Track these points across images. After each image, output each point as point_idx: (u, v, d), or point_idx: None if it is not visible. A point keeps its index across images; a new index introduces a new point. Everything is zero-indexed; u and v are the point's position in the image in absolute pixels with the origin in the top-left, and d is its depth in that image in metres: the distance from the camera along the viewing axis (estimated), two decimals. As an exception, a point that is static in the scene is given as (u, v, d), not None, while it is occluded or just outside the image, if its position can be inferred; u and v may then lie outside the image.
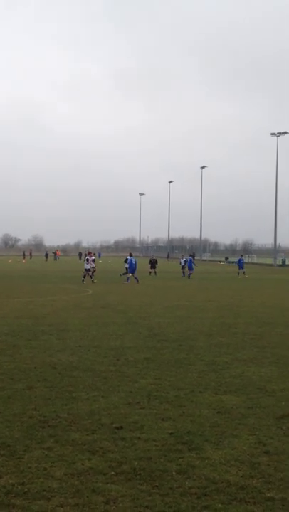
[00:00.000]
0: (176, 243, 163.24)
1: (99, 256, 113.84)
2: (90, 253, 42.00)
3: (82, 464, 6.17)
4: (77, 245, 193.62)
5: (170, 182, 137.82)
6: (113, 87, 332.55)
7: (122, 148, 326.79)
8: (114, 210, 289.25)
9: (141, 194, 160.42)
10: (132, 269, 39.64)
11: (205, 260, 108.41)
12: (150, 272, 49.58)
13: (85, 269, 39.20)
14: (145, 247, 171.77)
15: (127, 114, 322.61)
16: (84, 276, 38.66)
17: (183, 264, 51.24)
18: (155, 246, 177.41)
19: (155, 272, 49.73)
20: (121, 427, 7.36)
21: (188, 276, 46.09)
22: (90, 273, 39.13)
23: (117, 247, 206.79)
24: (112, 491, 5.54)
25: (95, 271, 40.53)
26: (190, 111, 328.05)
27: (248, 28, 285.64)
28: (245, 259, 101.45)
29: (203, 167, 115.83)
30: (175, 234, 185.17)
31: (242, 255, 58.63)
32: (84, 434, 7.10)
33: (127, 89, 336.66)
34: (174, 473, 5.97)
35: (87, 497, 5.43)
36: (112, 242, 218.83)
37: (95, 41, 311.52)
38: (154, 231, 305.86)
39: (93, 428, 7.34)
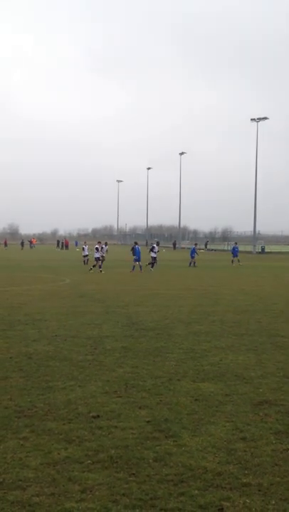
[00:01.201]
0: (154, 231, 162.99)
1: (76, 244, 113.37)
2: (99, 242, 41.50)
3: (59, 454, 6.13)
4: (54, 233, 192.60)
5: (148, 168, 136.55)
6: (90, 72, 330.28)
7: (100, 135, 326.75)
8: (92, 198, 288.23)
9: (119, 181, 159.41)
10: (138, 257, 39.64)
11: (184, 248, 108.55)
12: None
13: (95, 258, 38.91)
14: (123, 235, 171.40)
15: (104, 101, 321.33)
16: (94, 266, 38.43)
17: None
18: (133, 234, 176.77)
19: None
20: (98, 416, 7.33)
21: (190, 264, 45.83)
22: (100, 262, 38.75)
23: (95, 235, 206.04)
24: (89, 480, 5.51)
25: (104, 260, 40.38)
26: (170, 97, 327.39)
27: (231, 17, 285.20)
28: (225, 247, 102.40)
29: (182, 153, 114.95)
30: (154, 222, 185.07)
31: (236, 243, 58.02)
32: (60, 424, 7.05)
33: (105, 76, 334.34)
34: (150, 460, 5.95)
35: (63, 486, 5.39)
36: (89, 230, 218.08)
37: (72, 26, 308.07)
38: (132, 219, 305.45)
39: (70, 417, 7.29)
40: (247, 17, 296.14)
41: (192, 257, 46.28)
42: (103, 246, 40.31)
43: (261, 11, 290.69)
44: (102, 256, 39.64)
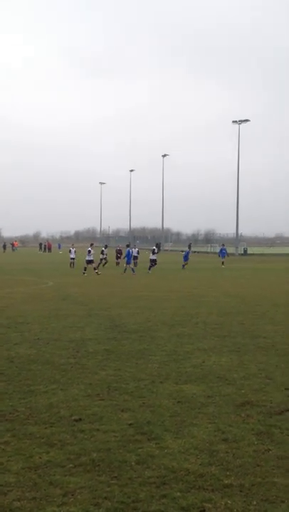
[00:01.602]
0: (137, 233, 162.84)
1: (59, 247, 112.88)
2: (91, 244, 41.13)
3: (40, 458, 6.09)
4: (36, 236, 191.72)
5: (131, 171, 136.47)
6: (73, 76, 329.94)
7: (82, 137, 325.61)
8: (75, 201, 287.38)
9: (101, 183, 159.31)
10: (128, 259, 39.62)
11: (167, 250, 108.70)
12: (117, 263, 49.74)
13: (86, 261, 38.47)
14: (106, 238, 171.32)
15: (88, 105, 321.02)
16: (85, 269, 38.05)
17: (136, 254, 51.71)
18: (116, 236, 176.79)
19: (118, 263, 49.88)
20: (80, 419, 7.30)
21: (183, 267, 45.92)
22: (96, 265, 38.47)
23: (78, 237, 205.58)
24: (71, 483, 5.48)
25: (107, 262, 40.62)
26: (153, 98, 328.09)
27: (210, 15, 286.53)
28: (208, 249, 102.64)
29: (164, 156, 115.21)
30: (137, 224, 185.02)
31: (223, 244, 57.88)
32: (42, 428, 7.02)
33: (89, 80, 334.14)
34: (133, 463, 5.94)
35: (45, 490, 5.37)
36: (72, 232, 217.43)
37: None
38: (115, 221, 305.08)
39: (52, 421, 7.26)
40: (236, 22, 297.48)
41: (186, 259, 46.23)
42: (103, 249, 40.01)
43: (250, 16, 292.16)
44: (105, 258, 39.48)
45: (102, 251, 44.34)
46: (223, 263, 50.02)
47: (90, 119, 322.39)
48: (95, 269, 38.05)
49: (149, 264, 41.30)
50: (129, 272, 38.19)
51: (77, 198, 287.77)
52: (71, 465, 5.90)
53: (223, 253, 51.32)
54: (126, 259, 40.01)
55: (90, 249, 39.40)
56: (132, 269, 39.01)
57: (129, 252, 40.28)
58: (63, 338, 13.18)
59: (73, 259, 46.45)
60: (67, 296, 23.07)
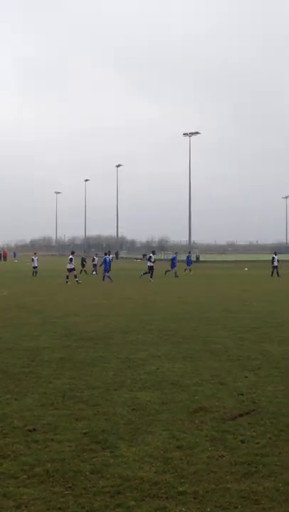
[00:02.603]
0: (93, 241, 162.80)
1: (14, 256, 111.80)
2: (72, 253, 40.65)
3: (-7, 469, 6.02)
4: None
5: (86, 180, 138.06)
6: (21, 78, 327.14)
7: (36, 145, 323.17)
8: (30, 210, 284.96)
9: (57, 193, 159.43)
10: (105, 268, 39.42)
11: (122, 258, 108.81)
12: (81, 271, 49.81)
13: (68, 269, 37.99)
14: (62, 246, 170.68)
15: (43, 114, 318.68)
16: (67, 277, 37.57)
17: (95, 262, 51.80)
18: (72, 244, 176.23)
19: (85, 271, 50.00)
20: (34, 429, 7.24)
21: (166, 272, 46.38)
22: (75, 273, 38.16)
23: (33, 246, 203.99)
24: (24, 495, 5.43)
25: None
26: (108, 109, 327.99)
27: (161, 29, 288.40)
28: (161, 256, 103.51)
29: (118, 166, 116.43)
30: (92, 232, 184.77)
31: (190, 252, 58.74)
32: (-5, 439, 6.93)
33: (42, 88, 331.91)
34: (87, 473, 5.92)
35: (-2, 503, 5.30)
36: (27, 241, 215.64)
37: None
38: (70, 229, 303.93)
39: (5, 432, 7.18)
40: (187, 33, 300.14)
41: (173, 267, 46.35)
42: (94, 257, 39.41)
43: (202, 28, 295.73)
44: (102, 267, 39.05)
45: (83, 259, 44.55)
46: (187, 270, 50.62)
47: (45, 131, 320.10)
48: (75, 276, 37.59)
49: (146, 272, 41.23)
50: (87, 279, 38.09)
51: (32, 207, 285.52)
52: (25, 476, 5.85)
53: (188, 260, 52.26)
54: (103, 266, 39.75)
55: (71, 257, 38.79)
56: (109, 277, 38.75)
57: (106, 259, 40.01)
58: (18, 347, 13.05)
59: (36, 267, 45.93)
60: (22, 305, 22.85)
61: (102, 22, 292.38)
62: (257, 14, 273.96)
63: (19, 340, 13.99)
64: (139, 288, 33.08)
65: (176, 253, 54.94)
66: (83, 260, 52.10)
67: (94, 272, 50.56)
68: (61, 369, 10.77)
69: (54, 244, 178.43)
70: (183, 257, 61.89)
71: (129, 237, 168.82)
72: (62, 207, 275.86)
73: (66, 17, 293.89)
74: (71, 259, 38.42)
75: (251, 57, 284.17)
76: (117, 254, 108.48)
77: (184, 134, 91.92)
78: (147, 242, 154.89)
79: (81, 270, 49.95)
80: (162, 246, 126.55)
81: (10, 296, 27.54)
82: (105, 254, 42.62)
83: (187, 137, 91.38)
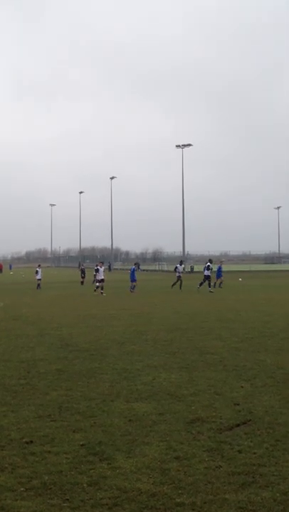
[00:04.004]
0: (87, 253, 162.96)
1: (10, 268, 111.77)
2: (101, 263, 39.86)
3: (-9, 482, 6.01)
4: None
5: (80, 192, 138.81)
6: (19, 97, 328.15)
7: (30, 158, 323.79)
8: (25, 222, 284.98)
9: (52, 205, 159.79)
10: (133, 277, 39.17)
11: (116, 269, 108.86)
12: (82, 282, 50.10)
13: (96, 280, 37.37)
14: (57, 258, 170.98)
15: (37, 127, 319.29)
16: (97, 288, 37.11)
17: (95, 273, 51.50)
18: (67, 256, 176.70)
19: (82, 282, 50.26)
20: (31, 442, 7.24)
21: (214, 285, 41.88)
22: (97, 284, 37.43)
23: (29, 258, 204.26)
24: (22, 508, 5.43)
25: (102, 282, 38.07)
26: (100, 122, 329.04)
27: (147, 41, 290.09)
28: (156, 267, 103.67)
29: (112, 178, 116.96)
30: (87, 244, 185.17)
31: (221, 262, 50.55)
32: (-8, 451, 6.92)
33: (31, 98, 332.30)
34: (85, 485, 5.92)
35: (-4, 516, 5.29)
36: (23, 253, 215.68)
37: None
38: (65, 241, 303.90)
39: (2, 444, 7.17)
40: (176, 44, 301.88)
41: (218, 277, 42.63)
42: (99, 268, 38.05)
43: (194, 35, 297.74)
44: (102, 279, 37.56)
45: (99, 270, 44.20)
46: (217, 284, 44.35)
47: (37, 140, 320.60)
48: (102, 288, 36.87)
49: (202, 282, 40.03)
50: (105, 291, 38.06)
51: (28, 219, 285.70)
52: (22, 489, 5.85)
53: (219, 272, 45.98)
54: (131, 277, 39.51)
55: (98, 267, 38.03)
56: (133, 287, 38.70)
57: (133, 269, 40.07)
58: (14, 359, 13.04)
59: (40, 280, 44.92)
60: (18, 317, 22.83)
61: (90, 29, 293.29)
62: (241, 24, 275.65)
63: (15, 352, 13.98)
64: (135, 299, 33.08)
65: (222, 261, 49.97)
66: (82, 272, 52.30)
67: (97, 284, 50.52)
68: (57, 380, 10.76)
69: (49, 256, 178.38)
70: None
71: (123, 248, 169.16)
72: (57, 218, 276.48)
73: (51, 24, 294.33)
74: (97, 270, 37.75)
75: (241, 67, 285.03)
76: (110, 265, 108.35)
77: (177, 145, 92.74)
78: (142, 253, 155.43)
79: (82, 281, 50.19)
80: (156, 257, 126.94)
81: (5, 307, 27.49)
82: (135, 264, 42.74)
83: (180, 149, 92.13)
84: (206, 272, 39.59)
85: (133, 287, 39.37)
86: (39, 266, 47.90)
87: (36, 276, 45.36)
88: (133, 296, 35.07)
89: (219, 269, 46.44)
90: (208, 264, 40.44)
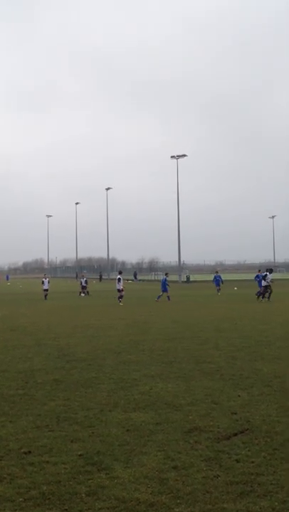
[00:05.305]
0: (84, 263, 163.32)
1: (7, 278, 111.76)
2: (120, 272, 40.69)
3: (-11, 493, 6.01)
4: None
5: (76, 203, 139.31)
6: (18, 108, 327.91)
7: (27, 170, 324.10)
8: (22, 232, 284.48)
9: (48, 216, 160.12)
10: (165, 288, 40.19)
11: (113, 279, 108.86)
12: (80, 292, 50.15)
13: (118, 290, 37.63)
14: (54, 268, 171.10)
15: (34, 137, 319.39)
16: (120, 297, 37.33)
17: (84, 284, 51.71)
18: (64, 266, 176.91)
19: (88, 292, 50.34)
20: (29, 452, 7.24)
21: (158, 298, 41.52)
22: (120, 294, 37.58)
23: (26, 268, 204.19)
24: (21, 518, 5.44)
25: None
26: (95, 133, 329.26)
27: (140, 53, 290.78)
28: (151, 277, 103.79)
29: (108, 189, 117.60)
30: (83, 254, 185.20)
31: (217, 272, 53.18)
32: (-9, 462, 6.93)
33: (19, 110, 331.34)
34: (83, 495, 5.93)
35: (-5, 526, 5.31)
36: (20, 263, 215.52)
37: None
38: (62, 252, 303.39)
39: (0, 454, 7.17)
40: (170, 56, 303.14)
41: (165, 290, 41.76)
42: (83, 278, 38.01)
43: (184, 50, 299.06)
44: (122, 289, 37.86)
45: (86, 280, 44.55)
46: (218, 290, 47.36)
47: (33, 151, 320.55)
48: (120, 297, 37.06)
49: (260, 291, 39.92)
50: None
51: (24, 230, 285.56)
52: (21, 499, 5.85)
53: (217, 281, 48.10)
54: (162, 287, 40.47)
55: (119, 277, 38.28)
56: (168, 297, 39.43)
57: (164, 279, 40.76)
58: (11, 369, 13.04)
59: (47, 290, 44.25)
60: (15, 327, 22.83)
61: (83, 39, 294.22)
62: (233, 31, 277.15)
63: (13, 363, 13.98)
64: (131, 308, 33.08)
65: (216, 272, 51.66)
66: (85, 282, 52.45)
67: (82, 294, 50.60)
68: (55, 390, 10.77)
69: (46, 266, 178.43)
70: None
71: (119, 258, 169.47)
72: (54, 229, 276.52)
73: (44, 34, 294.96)
74: (119, 279, 37.94)
75: (233, 76, 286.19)
76: (100, 276, 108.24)
77: (172, 156, 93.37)
78: (138, 263, 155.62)
79: (83, 292, 50.29)
80: (152, 267, 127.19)
81: (3, 318, 27.49)
82: (166, 274, 43.11)
83: (174, 160, 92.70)
84: (264, 283, 39.56)
85: (159, 297, 40.45)
86: (45, 275, 47.29)
87: (43, 287, 44.54)
88: (129, 306, 35.07)
89: (216, 278, 48.06)
90: (266, 273, 40.11)
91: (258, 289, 41.99)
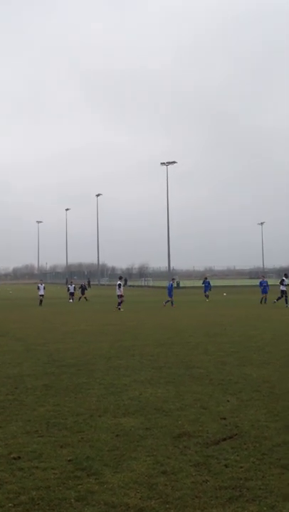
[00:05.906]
0: (74, 269, 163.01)
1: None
2: (120, 278, 41.00)
3: (-21, 498, 6.01)
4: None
5: (67, 209, 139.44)
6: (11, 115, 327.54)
7: (16, 175, 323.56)
8: (11, 238, 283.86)
9: (38, 222, 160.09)
10: (170, 292, 40.60)
11: (103, 285, 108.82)
12: (80, 298, 50.07)
13: (118, 296, 37.45)
14: (44, 274, 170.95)
15: (27, 144, 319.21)
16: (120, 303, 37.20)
17: (72, 290, 51.77)
18: (54, 272, 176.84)
19: (86, 298, 50.31)
20: (19, 457, 7.24)
21: (165, 304, 41.34)
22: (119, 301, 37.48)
23: (16, 274, 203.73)
24: (10, 524, 5.44)
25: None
26: (87, 142, 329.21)
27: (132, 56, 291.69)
28: (141, 283, 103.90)
29: (98, 195, 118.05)
30: (73, 260, 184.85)
31: (263, 276, 48.82)
32: (-20, 467, 6.92)
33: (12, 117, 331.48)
34: (72, 500, 5.94)
35: (-16, 532, 5.30)
36: (10, 269, 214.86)
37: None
38: (52, 258, 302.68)
39: (-10, 460, 7.17)
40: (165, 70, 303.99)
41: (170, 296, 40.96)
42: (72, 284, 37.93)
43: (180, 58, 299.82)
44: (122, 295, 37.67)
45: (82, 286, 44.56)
46: (264, 299, 43.34)
47: (23, 160, 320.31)
48: (119, 303, 36.99)
49: (279, 297, 39.61)
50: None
51: (14, 236, 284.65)
52: (10, 504, 5.85)
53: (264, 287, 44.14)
54: (168, 292, 40.80)
55: (119, 282, 38.39)
56: (172, 302, 39.82)
57: (171, 285, 41.14)
58: (1, 375, 13.01)
59: (42, 295, 43.90)
60: (5, 333, 22.77)
61: (76, 46, 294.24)
62: (227, 37, 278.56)
63: (2, 368, 13.95)
64: (121, 314, 33.08)
65: (263, 276, 48.06)
66: (84, 288, 52.46)
67: (71, 300, 50.57)
68: (45, 396, 10.76)
69: (36, 272, 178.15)
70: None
71: (109, 264, 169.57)
72: (44, 234, 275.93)
73: (39, 40, 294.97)
74: (120, 285, 37.97)
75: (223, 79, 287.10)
76: (88, 282, 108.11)
77: (162, 163, 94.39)
78: (128, 268, 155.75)
79: (80, 297, 50.24)
80: (142, 272, 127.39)
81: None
82: (172, 280, 43.53)
83: (164, 166, 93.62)
84: (282, 287, 39.41)
85: (166, 302, 40.81)
86: (41, 281, 46.87)
87: (39, 292, 44.19)
88: (120, 312, 35.07)
89: (205, 283, 48.44)
90: (283, 278, 40.01)
91: (261, 295, 42.62)
